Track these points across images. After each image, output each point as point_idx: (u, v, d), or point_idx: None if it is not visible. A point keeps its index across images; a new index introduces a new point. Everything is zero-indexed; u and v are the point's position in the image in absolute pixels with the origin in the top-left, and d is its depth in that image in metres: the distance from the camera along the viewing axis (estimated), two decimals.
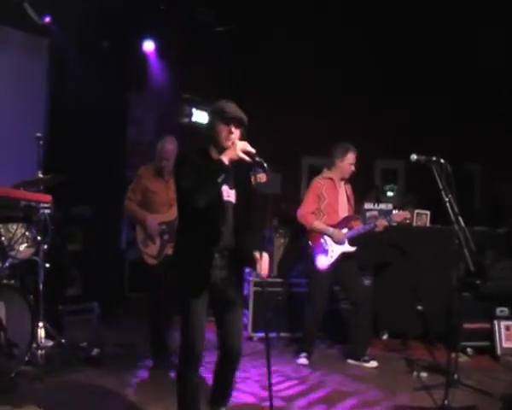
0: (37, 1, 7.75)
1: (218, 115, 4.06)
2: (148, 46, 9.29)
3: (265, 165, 3.92)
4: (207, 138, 4.16)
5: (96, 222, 7.76)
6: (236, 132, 4.08)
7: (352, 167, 6.78)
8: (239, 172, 4.16)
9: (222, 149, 4.01)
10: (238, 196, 4.22)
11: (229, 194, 4.17)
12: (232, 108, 4.07)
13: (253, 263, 4.25)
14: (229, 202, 4.18)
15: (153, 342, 6.33)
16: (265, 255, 4.21)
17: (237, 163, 3.96)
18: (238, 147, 3.90)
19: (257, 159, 3.91)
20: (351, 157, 6.75)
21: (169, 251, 6.32)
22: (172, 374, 5.60)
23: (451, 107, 9.67)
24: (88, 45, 8.45)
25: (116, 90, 8.99)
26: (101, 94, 8.45)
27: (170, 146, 6.37)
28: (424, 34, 9.13)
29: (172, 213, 6.30)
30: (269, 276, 4.23)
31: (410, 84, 9.64)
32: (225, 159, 3.89)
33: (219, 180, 3.88)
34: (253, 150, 3.92)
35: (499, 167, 9.70)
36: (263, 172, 4.34)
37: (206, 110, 4.26)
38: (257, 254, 4.18)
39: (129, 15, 8.56)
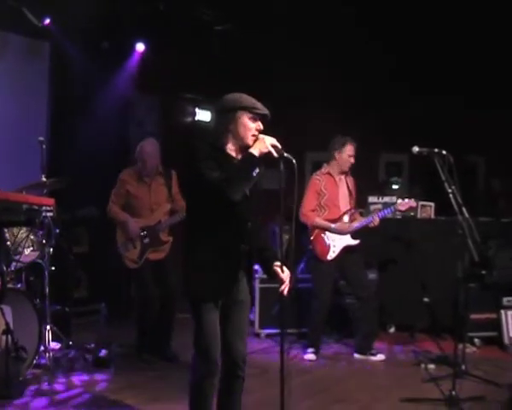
0: (36, 4, 7.78)
1: (248, 110, 3.85)
2: (140, 47, 9.25)
3: (294, 161, 3.71)
4: (221, 133, 3.91)
5: (101, 223, 7.79)
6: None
7: (351, 159, 6.72)
8: None
9: (245, 145, 3.84)
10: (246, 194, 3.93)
11: None
12: (259, 104, 3.90)
13: (272, 274, 4.05)
14: None
15: (139, 342, 6.46)
16: (286, 270, 3.98)
17: None
18: (267, 141, 3.74)
19: (285, 155, 3.73)
20: (349, 149, 6.68)
21: (152, 256, 6.36)
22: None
23: (454, 100, 9.65)
24: (89, 46, 8.45)
25: (118, 91, 9.00)
26: (103, 95, 8.47)
27: (148, 148, 6.39)
28: (428, 29, 9.10)
29: (154, 218, 6.40)
30: (290, 292, 4.07)
31: (413, 77, 9.62)
32: (256, 152, 3.72)
33: (254, 174, 3.72)
34: (280, 146, 3.76)
35: (502, 158, 9.69)
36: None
37: (224, 103, 3.96)
38: (277, 267, 4.01)
39: (130, 16, 8.56)
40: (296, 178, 3.73)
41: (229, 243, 3.87)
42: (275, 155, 3.74)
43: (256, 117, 3.86)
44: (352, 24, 9.16)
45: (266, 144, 3.73)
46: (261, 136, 3.81)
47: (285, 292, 3.97)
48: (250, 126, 3.85)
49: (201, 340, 3.87)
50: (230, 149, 3.91)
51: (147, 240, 6.32)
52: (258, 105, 3.88)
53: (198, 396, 3.95)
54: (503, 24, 8.71)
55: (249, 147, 3.79)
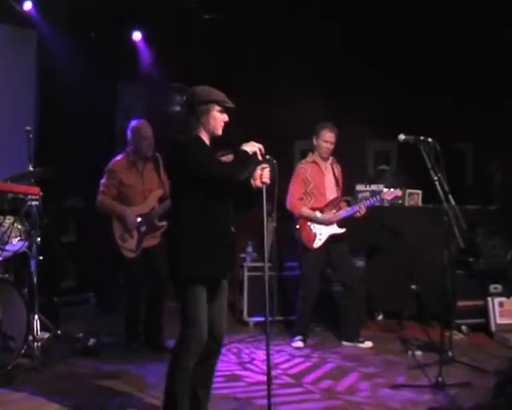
0: None
1: (218, 104, 4.20)
2: (136, 35, 9.29)
3: (275, 162, 4.20)
4: (194, 125, 4.22)
5: (88, 213, 7.77)
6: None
7: (328, 145, 6.71)
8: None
9: (215, 135, 4.24)
10: None
11: None
12: (225, 96, 4.25)
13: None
14: None
15: (128, 331, 6.44)
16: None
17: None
18: (255, 145, 4.14)
19: (267, 156, 4.17)
20: (325, 135, 6.69)
21: (146, 243, 6.34)
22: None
23: (443, 87, 9.66)
24: (76, 36, 8.43)
25: (105, 80, 8.97)
26: (90, 84, 8.44)
27: (145, 130, 6.38)
28: (415, 19, 9.10)
29: (147, 205, 6.35)
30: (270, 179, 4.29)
31: (402, 67, 9.62)
32: (250, 151, 4.09)
33: (251, 170, 4.16)
34: (263, 150, 4.16)
35: (490, 146, 9.72)
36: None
37: (195, 97, 4.25)
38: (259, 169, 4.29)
39: (117, 4, 8.53)
40: (276, 176, 4.22)
41: (224, 225, 4.20)
42: (259, 156, 4.16)
43: (223, 110, 4.23)
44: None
45: (255, 147, 4.13)
46: (250, 142, 4.19)
47: (265, 179, 4.23)
48: (219, 118, 4.22)
49: (193, 315, 4.04)
50: (206, 142, 4.27)
51: (144, 228, 6.30)
52: (226, 99, 4.26)
53: (181, 376, 4.09)
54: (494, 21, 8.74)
55: (218, 137, 4.25)
